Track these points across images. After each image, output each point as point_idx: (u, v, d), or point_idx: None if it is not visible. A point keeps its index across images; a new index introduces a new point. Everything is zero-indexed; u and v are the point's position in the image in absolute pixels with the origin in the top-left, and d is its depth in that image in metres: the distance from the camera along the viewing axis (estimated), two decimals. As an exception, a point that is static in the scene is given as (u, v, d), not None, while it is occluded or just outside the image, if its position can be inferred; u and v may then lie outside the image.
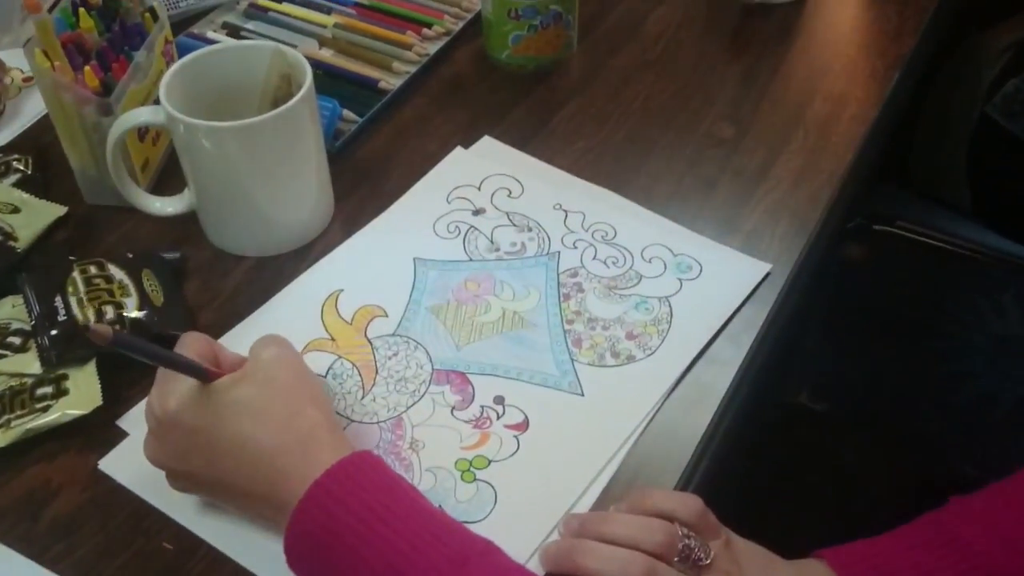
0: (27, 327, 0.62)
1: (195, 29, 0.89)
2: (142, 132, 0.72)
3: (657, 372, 0.61)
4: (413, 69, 0.85)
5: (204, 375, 0.51)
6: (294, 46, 0.69)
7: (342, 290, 0.67)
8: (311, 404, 0.51)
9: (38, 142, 0.78)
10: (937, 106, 1.05)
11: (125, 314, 0.61)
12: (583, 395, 0.60)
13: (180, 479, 0.53)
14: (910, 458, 0.91)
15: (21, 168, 0.75)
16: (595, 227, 0.71)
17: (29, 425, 0.57)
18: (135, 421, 0.59)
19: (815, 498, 0.90)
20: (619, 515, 0.52)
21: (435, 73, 0.86)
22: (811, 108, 0.81)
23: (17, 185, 0.73)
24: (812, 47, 0.88)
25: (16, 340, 0.62)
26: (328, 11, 0.91)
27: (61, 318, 0.61)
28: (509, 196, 0.73)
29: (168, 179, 0.75)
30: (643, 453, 0.58)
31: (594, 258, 0.68)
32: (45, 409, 0.58)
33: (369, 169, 0.76)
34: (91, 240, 0.71)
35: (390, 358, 0.62)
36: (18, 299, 0.64)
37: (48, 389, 0.59)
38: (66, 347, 0.60)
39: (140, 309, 0.62)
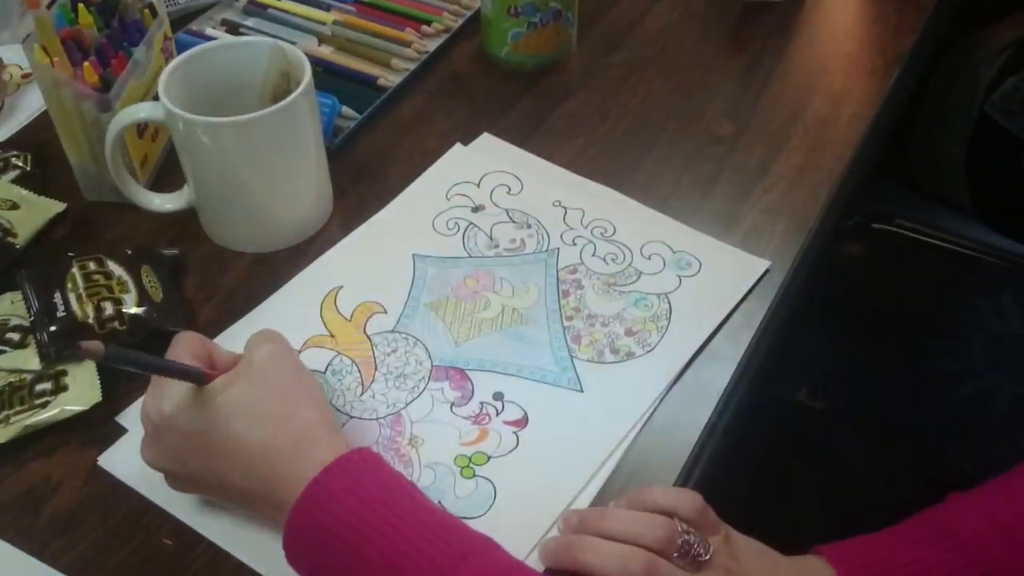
0: (26, 323, 0.62)
1: (194, 26, 0.89)
2: (141, 128, 0.72)
3: (656, 368, 0.61)
4: (412, 66, 0.85)
5: (200, 379, 0.51)
6: (293, 43, 0.69)
7: (341, 286, 0.67)
8: (307, 402, 0.51)
9: (37, 139, 0.78)
10: (936, 104, 1.05)
11: (124, 310, 0.61)
12: (582, 391, 0.60)
13: (179, 480, 0.53)
14: (909, 456, 0.91)
15: (20, 164, 0.75)
16: (594, 224, 0.71)
17: (28, 421, 0.57)
18: (134, 417, 0.58)
19: (814, 494, 0.90)
20: (618, 511, 0.52)
21: (434, 70, 0.86)
22: (810, 106, 0.81)
23: (16, 181, 0.73)
24: (811, 45, 0.88)
25: (15, 336, 0.62)
26: (327, 8, 0.91)
27: (60, 314, 0.60)
28: (508, 193, 0.73)
29: (167, 176, 0.75)
30: (642, 449, 0.58)
31: (593, 255, 0.69)
32: (44, 405, 0.58)
33: (368, 166, 0.76)
34: (90, 237, 0.71)
35: (389, 354, 0.62)
36: (17, 295, 0.64)
37: (47, 385, 0.59)
38: (65, 343, 0.60)
39: (139, 305, 0.62)
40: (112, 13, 0.72)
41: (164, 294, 0.64)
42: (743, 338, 0.63)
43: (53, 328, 0.60)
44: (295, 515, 0.47)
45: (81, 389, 0.59)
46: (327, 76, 0.83)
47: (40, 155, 0.76)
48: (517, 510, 0.54)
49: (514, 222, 0.71)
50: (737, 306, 0.65)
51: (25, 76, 0.84)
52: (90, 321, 0.60)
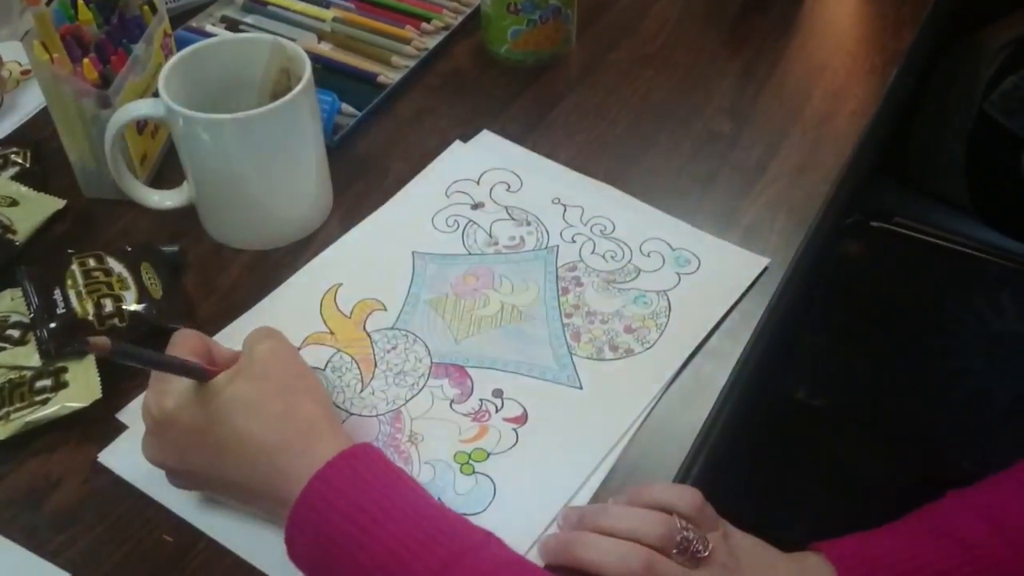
0: (26, 320, 0.62)
1: (193, 23, 0.89)
2: (141, 125, 0.72)
3: (655, 365, 0.61)
4: (412, 63, 0.85)
5: (203, 375, 0.51)
6: (293, 40, 0.69)
7: (341, 284, 0.67)
8: (308, 398, 0.52)
9: (36, 135, 0.78)
10: (935, 102, 1.05)
11: (124, 307, 0.61)
12: (581, 388, 0.60)
13: (180, 477, 0.53)
14: (907, 454, 0.92)
15: (19, 161, 0.75)
16: (594, 221, 0.71)
17: (28, 418, 0.57)
18: (134, 414, 0.58)
19: (812, 492, 0.90)
20: (618, 507, 0.53)
21: (434, 67, 0.86)
22: (810, 103, 0.81)
23: (15, 178, 0.73)
24: (811, 42, 0.88)
25: (15, 333, 0.62)
26: (327, 5, 0.91)
27: (60, 311, 0.61)
28: (508, 190, 0.73)
29: (167, 172, 0.75)
30: (641, 446, 0.58)
31: (593, 252, 0.69)
32: (44, 402, 0.58)
33: (368, 163, 0.76)
34: (89, 233, 0.71)
35: (389, 351, 0.63)
36: (17, 292, 0.64)
37: (47, 382, 0.59)
38: (65, 340, 0.60)
39: (139, 302, 0.62)
40: (112, 9, 0.72)
41: (164, 291, 0.64)
42: (742, 335, 0.63)
43: (53, 325, 0.60)
44: (297, 510, 0.47)
45: (81, 386, 0.59)
46: (327, 73, 0.83)
47: (39, 152, 0.76)
48: (516, 506, 0.54)
49: (514, 219, 0.71)
50: (736, 303, 0.65)
51: (24, 73, 0.84)
52: (90, 318, 0.60)
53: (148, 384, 0.53)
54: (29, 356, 0.60)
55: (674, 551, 0.50)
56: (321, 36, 0.88)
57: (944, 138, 1.03)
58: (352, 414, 0.59)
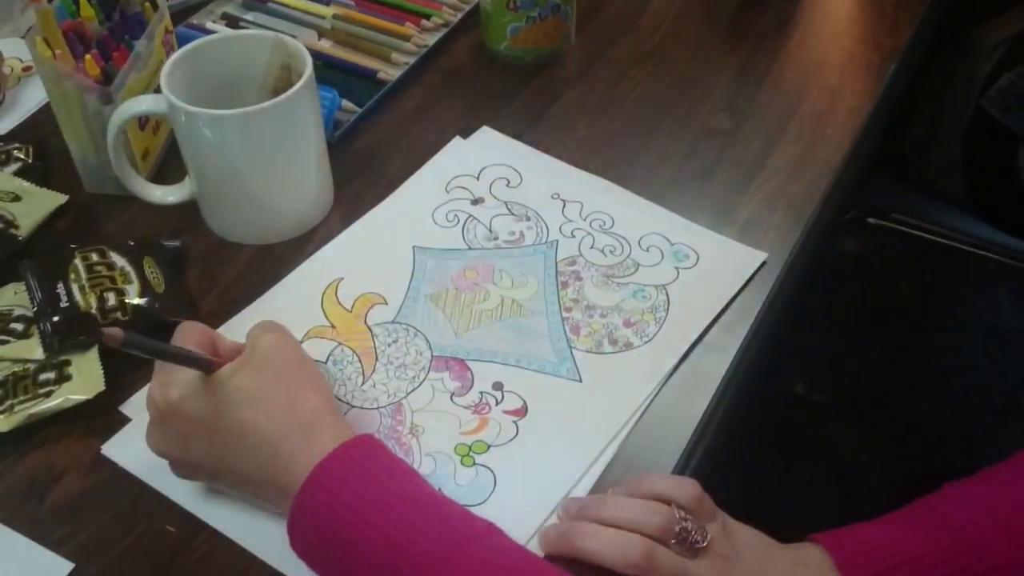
0: (29, 313, 0.63)
1: (194, 20, 0.89)
2: (142, 121, 0.72)
3: (654, 359, 0.62)
4: (412, 60, 0.85)
5: (208, 367, 0.51)
6: (293, 37, 0.69)
7: (342, 278, 0.67)
8: (311, 389, 0.52)
9: (38, 131, 0.79)
10: (933, 99, 1.05)
11: (127, 301, 0.62)
12: (581, 381, 0.61)
13: (184, 467, 0.54)
14: (905, 450, 0.92)
15: (22, 157, 0.75)
16: (593, 216, 0.71)
17: (32, 410, 0.58)
18: (137, 406, 0.59)
19: (810, 484, 0.91)
20: (617, 498, 0.53)
21: (434, 64, 0.86)
22: (807, 99, 0.81)
23: (18, 174, 0.74)
24: (809, 39, 0.88)
25: (18, 326, 0.62)
26: (327, 2, 0.91)
27: (63, 304, 0.61)
28: (507, 185, 0.74)
29: (168, 168, 0.76)
30: (640, 438, 0.58)
31: (592, 247, 0.69)
32: (48, 394, 0.59)
33: (368, 159, 0.77)
34: (92, 229, 0.72)
35: (390, 345, 0.63)
36: (20, 286, 0.64)
37: (51, 375, 0.60)
38: (68, 333, 0.60)
39: (142, 296, 0.62)
40: (113, 6, 0.73)
41: (166, 285, 0.65)
42: (740, 329, 0.64)
43: (56, 318, 0.61)
44: (300, 499, 0.48)
45: (84, 378, 0.59)
46: (327, 70, 0.83)
47: (42, 148, 0.77)
48: (517, 498, 0.55)
49: (513, 214, 0.72)
50: (734, 298, 0.65)
51: (26, 69, 0.85)
52: (93, 311, 0.61)
53: (152, 375, 0.53)
54: (32, 349, 0.61)
55: (673, 541, 0.51)
56: (321, 33, 0.89)
57: (941, 135, 1.03)
58: (353, 407, 0.59)
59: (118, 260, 0.64)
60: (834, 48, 0.87)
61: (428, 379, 0.61)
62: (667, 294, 0.66)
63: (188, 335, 0.53)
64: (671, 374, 0.61)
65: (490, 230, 0.70)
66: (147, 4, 0.74)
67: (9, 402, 0.58)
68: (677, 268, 0.67)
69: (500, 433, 0.58)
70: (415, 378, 0.61)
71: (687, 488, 0.53)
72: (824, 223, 0.74)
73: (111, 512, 0.55)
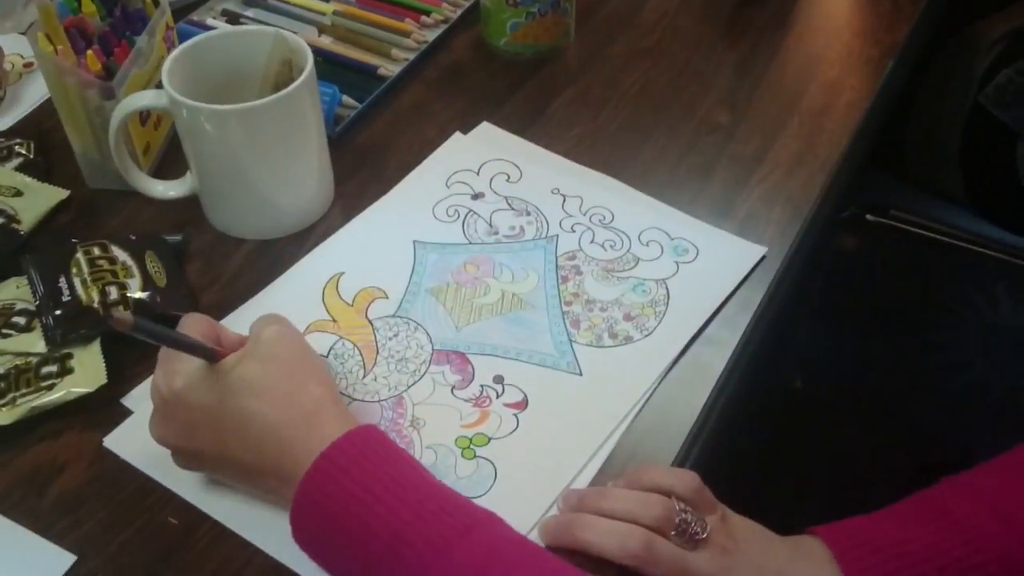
0: (32, 307, 0.63)
1: (195, 16, 0.90)
2: (144, 116, 0.73)
3: (654, 352, 0.62)
4: (412, 56, 0.85)
5: (212, 356, 0.52)
6: (294, 33, 0.70)
7: (343, 273, 0.67)
8: (314, 380, 0.52)
9: (40, 127, 0.79)
10: (931, 95, 1.05)
11: (129, 295, 0.62)
12: (581, 375, 0.61)
13: (187, 457, 0.54)
14: (903, 446, 0.92)
15: (23, 152, 0.75)
16: (593, 211, 0.71)
17: (35, 403, 0.58)
18: (139, 399, 0.59)
19: (809, 477, 0.91)
20: (617, 490, 0.53)
21: (434, 60, 0.87)
22: (806, 95, 0.81)
23: (20, 169, 0.74)
24: (807, 35, 0.89)
25: (21, 320, 0.63)
26: (327, -1, 0.92)
27: (65, 298, 0.61)
28: (508, 181, 0.74)
29: (169, 163, 0.76)
30: (640, 431, 0.58)
31: (592, 241, 0.69)
32: (50, 387, 0.59)
33: (369, 154, 0.77)
34: (93, 224, 0.72)
35: (391, 339, 0.63)
36: (22, 280, 0.65)
37: (53, 368, 0.60)
38: (70, 327, 0.61)
39: (143, 290, 0.63)
40: (115, 2, 0.73)
41: (168, 279, 0.65)
42: (739, 323, 0.64)
43: (58, 312, 0.61)
44: (303, 489, 0.48)
45: (87, 371, 0.60)
46: (327, 66, 0.84)
47: (43, 143, 0.77)
48: (517, 490, 0.55)
49: (513, 209, 0.72)
50: (734, 292, 0.66)
51: (27, 65, 0.85)
52: (95, 305, 0.61)
53: (156, 364, 0.53)
54: (35, 343, 0.61)
55: (672, 533, 0.51)
56: (321, 29, 0.89)
57: (939, 131, 1.04)
58: (355, 400, 0.60)
59: (120, 254, 0.65)
60: (833, 43, 0.87)
61: (429, 372, 0.61)
62: (667, 288, 0.66)
63: (192, 326, 0.54)
64: (671, 367, 0.61)
65: (490, 225, 0.71)
66: (148, 0, 0.74)
67: (11, 395, 0.59)
68: (677, 262, 0.68)
69: (501, 426, 0.58)
70: (416, 371, 0.61)
71: (687, 480, 0.53)
72: (823, 218, 0.74)
73: (113, 504, 0.55)
